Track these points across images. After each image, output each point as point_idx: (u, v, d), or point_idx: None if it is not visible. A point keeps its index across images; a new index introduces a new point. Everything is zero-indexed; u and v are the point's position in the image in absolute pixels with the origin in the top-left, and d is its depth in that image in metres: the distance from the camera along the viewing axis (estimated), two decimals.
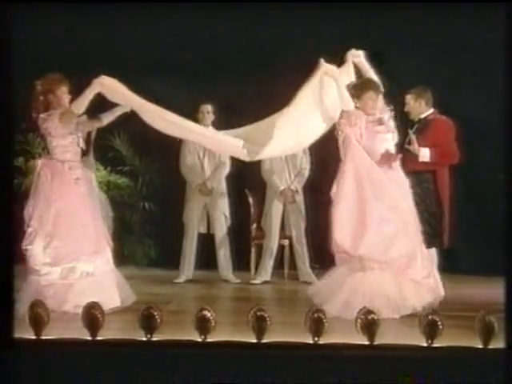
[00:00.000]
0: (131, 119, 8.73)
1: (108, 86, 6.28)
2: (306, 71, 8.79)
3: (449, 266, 7.20)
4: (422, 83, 7.75)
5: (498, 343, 4.79)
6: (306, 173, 8.45)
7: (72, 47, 8.79)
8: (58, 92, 6.41)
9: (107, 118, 6.65)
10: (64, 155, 6.38)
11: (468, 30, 8.39)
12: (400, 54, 8.67)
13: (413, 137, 6.88)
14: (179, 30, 8.90)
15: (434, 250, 6.87)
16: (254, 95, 8.86)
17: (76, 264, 6.24)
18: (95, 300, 5.72)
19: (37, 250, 6.24)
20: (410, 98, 7.11)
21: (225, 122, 8.49)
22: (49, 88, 6.40)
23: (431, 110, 7.11)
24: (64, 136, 6.37)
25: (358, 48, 6.86)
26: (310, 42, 8.90)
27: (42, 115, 6.38)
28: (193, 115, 8.49)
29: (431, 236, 6.80)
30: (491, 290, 6.60)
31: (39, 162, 6.49)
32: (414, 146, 6.84)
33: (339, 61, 6.84)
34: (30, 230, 6.29)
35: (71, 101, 6.42)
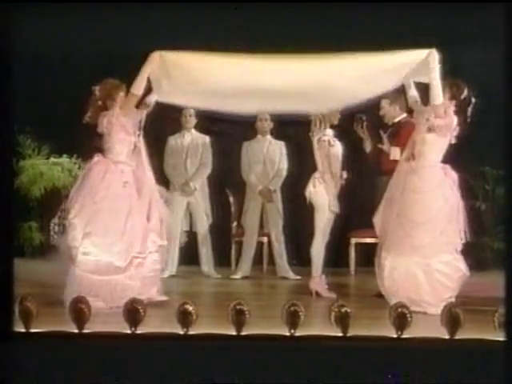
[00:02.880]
0: None
1: (160, 59, 6.26)
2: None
3: None
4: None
5: (464, 334, 4.83)
6: (284, 173, 8.47)
7: (72, 47, 8.76)
8: (117, 97, 6.34)
9: (149, 100, 6.54)
10: (118, 156, 6.30)
11: (468, 29, 8.41)
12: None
13: (384, 136, 6.92)
14: (163, 30, 8.87)
15: None
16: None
17: (119, 261, 6.16)
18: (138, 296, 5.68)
19: (76, 242, 6.14)
20: (385, 103, 7.16)
21: (207, 125, 8.52)
22: (108, 93, 6.34)
23: (404, 115, 7.17)
24: (120, 134, 6.29)
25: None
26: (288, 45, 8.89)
27: (102, 113, 6.32)
28: (175, 119, 8.51)
29: None
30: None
31: (95, 158, 6.37)
32: (386, 145, 6.89)
33: None
34: (69, 221, 6.20)
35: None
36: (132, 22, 8.62)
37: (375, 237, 8.31)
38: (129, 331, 4.79)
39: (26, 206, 8.93)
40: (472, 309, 5.49)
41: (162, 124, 8.43)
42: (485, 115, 8.31)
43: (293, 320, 4.80)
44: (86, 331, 4.81)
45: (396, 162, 6.85)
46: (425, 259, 6.28)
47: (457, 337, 4.80)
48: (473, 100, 6.41)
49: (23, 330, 4.80)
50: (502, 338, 4.75)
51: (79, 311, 4.83)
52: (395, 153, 6.87)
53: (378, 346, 4.82)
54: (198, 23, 8.22)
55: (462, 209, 6.40)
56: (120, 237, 6.20)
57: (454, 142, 6.40)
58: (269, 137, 8.49)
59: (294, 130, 7.88)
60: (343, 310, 4.83)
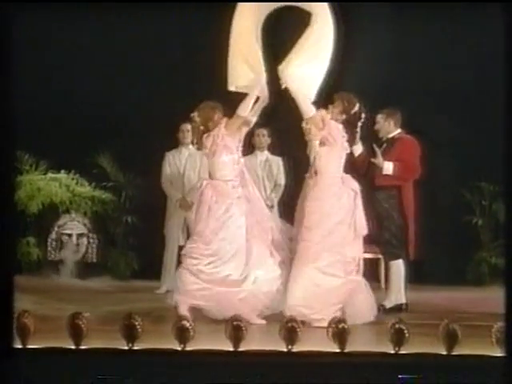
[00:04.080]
0: (116, 137, 8.79)
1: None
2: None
3: (414, 276, 7.21)
4: (421, 84, 7.80)
5: (461, 350, 4.81)
6: (281, 188, 8.45)
7: (72, 48, 8.75)
8: (216, 118, 6.52)
9: (252, 117, 6.63)
10: (225, 175, 6.50)
11: (468, 30, 8.40)
12: (398, 53, 8.70)
13: (377, 150, 6.92)
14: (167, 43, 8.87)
15: (400, 262, 6.91)
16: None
17: (243, 274, 6.34)
18: (253, 308, 6.13)
19: (201, 261, 6.36)
20: (380, 118, 7.15)
21: None
22: (208, 116, 6.52)
23: (399, 130, 7.16)
24: (224, 153, 6.46)
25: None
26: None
27: (205, 135, 6.51)
28: (173, 135, 8.52)
29: (397, 248, 6.86)
30: (455, 299, 6.64)
31: (204, 182, 6.60)
32: (379, 160, 6.89)
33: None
34: (193, 242, 6.45)
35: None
36: (129, 25, 8.61)
37: (374, 252, 8.37)
38: (126, 347, 4.77)
39: (23, 221, 8.91)
40: (469, 324, 5.48)
41: (159, 140, 8.45)
42: (482, 129, 8.36)
43: (290, 336, 4.78)
44: (83, 347, 4.79)
45: (389, 176, 6.87)
46: (307, 264, 6.32)
47: (454, 352, 4.78)
48: (363, 115, 6.62)
49: (21, 347, 4.78)
50: (498, 354, 4.73)
51: (76, 327, 4.80)
52: (388, 167, 6.88)
53: (375, 361, 4.79)
54: None
55: (359, 217, 6.45)
56: (238, 250, 6.38)
57: (348, 151, 6.56)
58: (266, 152, 8.48)
59: (291, 145, 7.86)
60: (341, 325, 4.82)
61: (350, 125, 6.59)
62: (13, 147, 8.51)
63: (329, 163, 6.51)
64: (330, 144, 6.46)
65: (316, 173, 6.53)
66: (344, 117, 6.56)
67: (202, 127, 6.55)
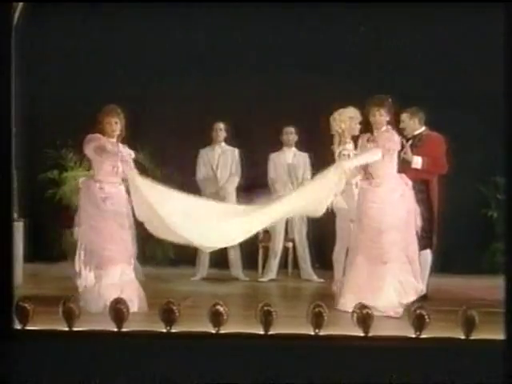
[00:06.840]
0: (152, 136, 8.82)
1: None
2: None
3: (434, 265, 7.16)
4: (421, 84, 7.74)
5: (479, 335, 4.78)
6: None
7: (72, 47, 8.73)
8: (105, 122, 6.35)
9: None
10: (98, 175, 6.37)
11: (468, 30, 8.33)
12: (399, 54, 8.65)
13: (407, 145, 6.89)
14: (196, 44, 8.85)
15: (428, 252, 6.89)
16: (266, 114, 8.84)
17: (100, 272, 6.24)
18: None
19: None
20: (405, 117, 7.14)
21: (236, 139, 8.52)
22: (100, 120, 6.38)
23: (423, 128, 7.13)
24: (100, 155, 6.35)
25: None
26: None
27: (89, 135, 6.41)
28: (207, 133, 8.53)
29: (425, 239, 6.81)
30: (472, 287, 6.59)
31: (80, 181, 6.60)
32: (408, 154, 6.86)
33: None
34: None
35: (123, 127, 6.40)
36: (136, 24, 8.57)
37: None
38: (164, 330, 4.80)
39: (68, 213, 8.96)
40: (485, 310, 5.43)
41: (194, 138, 8.47)
42: (496, 124, 8.25)
43: (317, 320, 4.78)
44: (124, 330, 4.82)
45: (417, 171, 6.82)
46: (386, 264, 6.26)
47: (472, 337, 4.75)
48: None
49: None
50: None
51: (118, 311, 4.84)
52: (417, 161, 6.85)
53: (397, 345, 4.78)
54: None
55: (418, 213, 6.40)
56: (106, 246, 6.27)
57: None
58: (294, 149, 8.49)
59: (317, 142, 7.84)
60: (365, 311, 4.80)
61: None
62: (57, 146, 8.58)
63: (388, 167, 6.41)
64: (392, 151, 6.38)
65: (372, 176, 6.41)
66: (389, 118, 6.45)
67: (99, 127, 6.37)
